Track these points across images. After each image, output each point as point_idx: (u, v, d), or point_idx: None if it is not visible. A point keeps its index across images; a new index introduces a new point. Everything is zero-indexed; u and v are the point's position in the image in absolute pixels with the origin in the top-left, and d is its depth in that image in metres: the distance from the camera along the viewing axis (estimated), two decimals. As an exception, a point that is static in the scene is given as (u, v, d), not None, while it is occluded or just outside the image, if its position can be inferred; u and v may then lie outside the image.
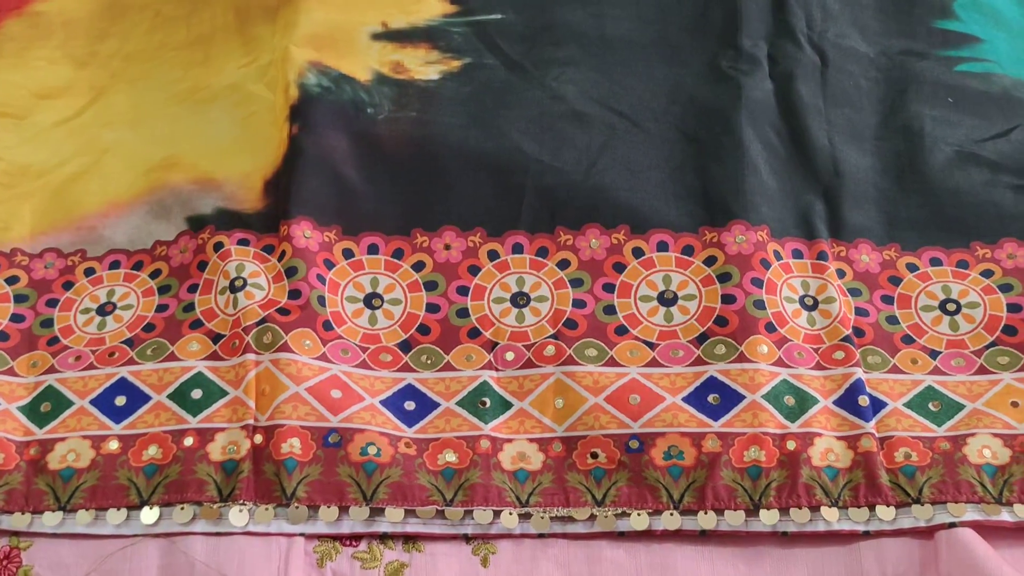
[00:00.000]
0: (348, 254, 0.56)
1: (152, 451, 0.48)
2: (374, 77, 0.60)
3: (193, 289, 0.54)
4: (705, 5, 0.62)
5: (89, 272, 0.56)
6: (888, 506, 0.47)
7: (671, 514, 0.47)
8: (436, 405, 0.52)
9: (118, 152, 0.59)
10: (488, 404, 0.51)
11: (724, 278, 0.55)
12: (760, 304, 0.53)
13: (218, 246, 0.55)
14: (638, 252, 0.56)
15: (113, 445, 0.48)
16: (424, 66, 0.61)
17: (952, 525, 0.46)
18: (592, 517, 0.48)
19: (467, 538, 0.48)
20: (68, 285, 0.55)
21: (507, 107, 0.60)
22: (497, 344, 0.53)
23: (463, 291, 0.55)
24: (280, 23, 0.61)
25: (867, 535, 0.47)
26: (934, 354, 0.54)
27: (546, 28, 0.62)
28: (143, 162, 0.59)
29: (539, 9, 0.62)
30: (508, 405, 0.51)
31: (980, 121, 0.60)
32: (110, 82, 0.62)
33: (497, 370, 0.53)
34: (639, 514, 0.47)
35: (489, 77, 0.60)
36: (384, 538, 0.48)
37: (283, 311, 0.53)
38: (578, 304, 0.55)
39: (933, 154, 0.59)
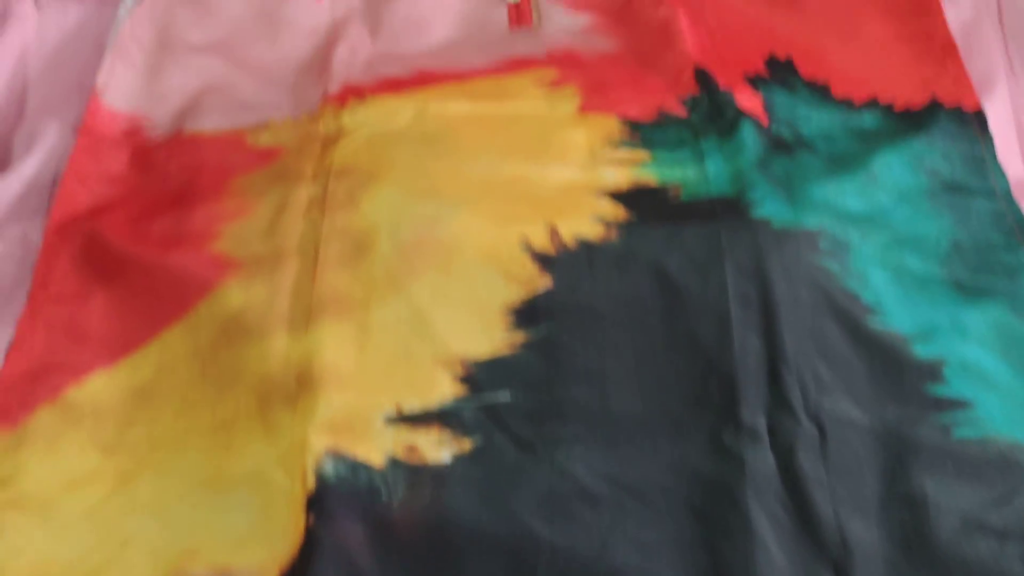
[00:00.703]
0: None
1: None
2: (389, 462, 0.62)
3: None
4: (703, 379, 0.65)
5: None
6: None
7: None
8: None
9: (139, 542, 0.60)
10: None
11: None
12: None
13: None
14: (652, 636, 0.56)
15: None
16: (436, 447, 0.63)
17: None
18: None
19: None
20: None
21: (517, 487, 0.61)
22: None
23: None
24: (300, 409, 0.64)
25: None
26: None
27: (553, 406, 0.65)
28: (163, 552, 0.60)
29: (545, 388, 0.65)
30: None
31: (981, 488, 0.61)
32: (136, 469, 0.64)
33: None
34: None
35: (499, 458, 0.62)
36: None
37: None
38: None
39: (938, 524, 0.60)
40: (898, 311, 0.69)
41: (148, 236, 0.73)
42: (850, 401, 0.65)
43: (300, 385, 0.65)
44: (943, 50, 0.80)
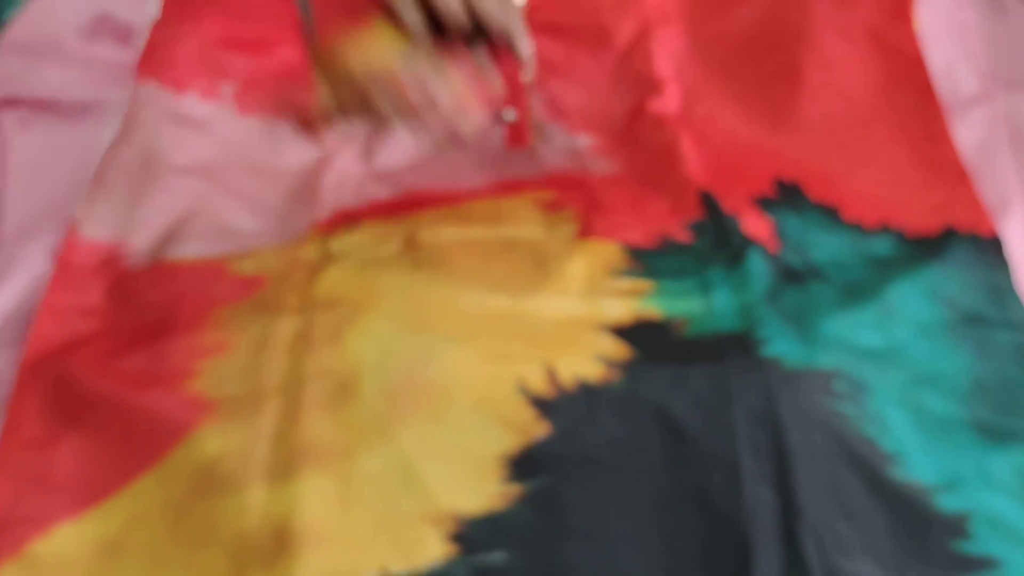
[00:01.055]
0: None
1: None
2: (373, 632, 0.57)
3: None
4: (713, 538, 0.61)
5: None
6: None
7: None
8: None
9: None
10: None
11: None
12: None
13: None
14: None
15: None
16: (426, 616, 0.58)
17: None
18: None
19: None
20: None
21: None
22: None
23: None
24: (278, 572, 0.59)
25: None
26: None
27: (551, 568, 0.60)
28: None
29: (543, 545, 0.61)
30: None
31: (1015, 659, 0.57)
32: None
33: None
34: None
35: (493, 630, 0.58)
36: None
37: None
38: None
39: None
40: (919, 458, 0.65)
41: (123, 373, 0.69)
42: (870, 561, 0.60)
43: (278, 544, 0.60)
44: (955, 176, 0.77)
